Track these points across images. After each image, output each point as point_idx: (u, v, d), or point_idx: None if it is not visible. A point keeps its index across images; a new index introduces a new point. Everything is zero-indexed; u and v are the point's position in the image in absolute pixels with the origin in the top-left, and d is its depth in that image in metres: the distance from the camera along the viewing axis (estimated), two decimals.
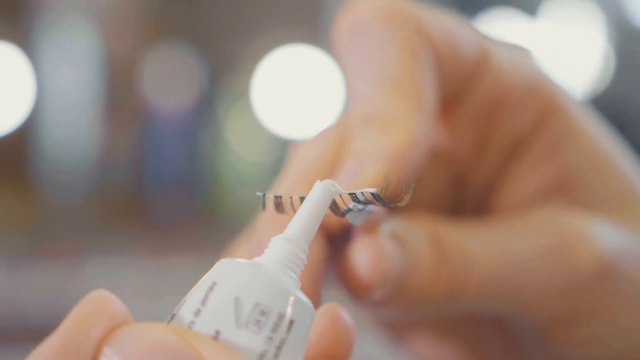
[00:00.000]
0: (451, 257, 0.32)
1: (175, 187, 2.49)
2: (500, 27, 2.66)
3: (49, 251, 2.24)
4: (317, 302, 0.30)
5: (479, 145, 0.36)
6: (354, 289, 0.31)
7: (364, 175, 0.31)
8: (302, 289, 0.30)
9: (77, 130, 2.55)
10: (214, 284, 0.24)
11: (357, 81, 0.34)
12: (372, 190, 0.27)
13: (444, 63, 0.34)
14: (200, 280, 0.24)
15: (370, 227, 0.31)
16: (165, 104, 2.52)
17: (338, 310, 0.27)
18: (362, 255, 0.31)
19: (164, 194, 2.50)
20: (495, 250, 0.33)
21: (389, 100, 0.32)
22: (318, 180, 0.26)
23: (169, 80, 2.52)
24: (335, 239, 0.32)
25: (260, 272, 0.24)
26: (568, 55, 2.64)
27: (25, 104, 2.53)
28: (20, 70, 2.50)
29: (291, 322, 0.24)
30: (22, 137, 2.56)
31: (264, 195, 0.28)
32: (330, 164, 0.33)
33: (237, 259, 0.24)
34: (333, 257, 0.32)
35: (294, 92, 2.41)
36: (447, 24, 0.35)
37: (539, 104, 0.35)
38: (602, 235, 0.34)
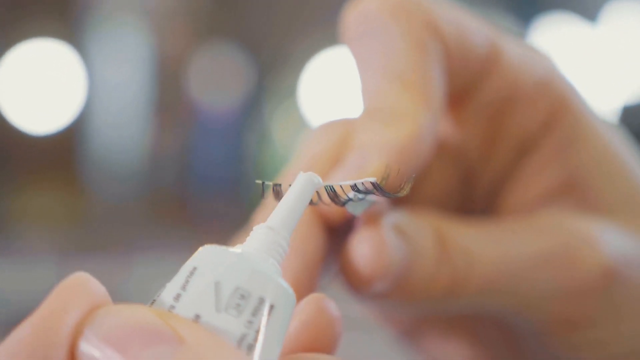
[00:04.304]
0: (453, 254, 0.32)
1: (221, 185, 2.51)
2: (558, 31, 2.64)
3: (97, 246, 2.27)
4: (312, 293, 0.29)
5: (488, 142, 0.35)
6: (354, 282, 0.31)
7: (367, 168, 0.31)
8: (298, 279, 0.30)
9: (126, 128, 2.58)
10: (195, 268, 0.24)
11: (364, 74, 0.34)
12: (372, 179, 0.27)
13: (453, 57, 0.34)
14: (182, 267, 0.24)
15: (373, 219, 0.31)
16: (212, 103, 2.54)
17: (323, 301, 0.26)
18: (363, 247, 0.31)
19: (210, 192, 2.51)
20: (498, 250, 0.33)
21: (395, 94, 0.32)
22: (301, 172, 0.27)
23: (216, 80, 2.54)
24: (337, 231, 0.32)
25: (241, 258, 0.24)
26: (627, 61, 2.61)
27: (76, 101, 2.57)
28: (71, 68, 2.53)
29: (271, 307, 0.24)
30: (73, 134, 2.60)
31: (263, 183, 0.28)
32: (335, 157, 0.33)
33: (218, 245, 0.25)
34: (335, 249, 0.32)
35: (340, 93, 2.41)
36: (457, 17, 0.34)
37: (549, 103, 0.35)
38: (608, 240, 0.34)
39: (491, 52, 0.34)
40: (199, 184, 2.55)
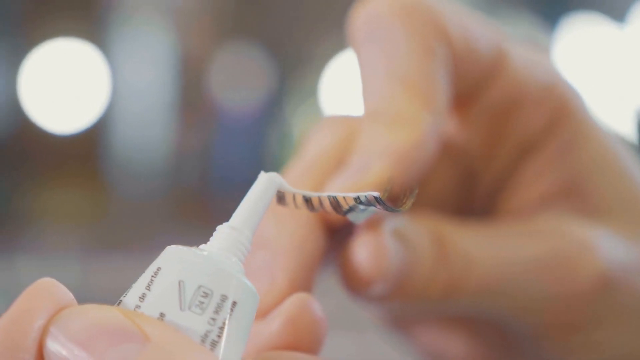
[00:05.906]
0: (451, 256, 0.32)
1: (242, 184, 2.52)
2: (585, 31, 2.62)
3: (119, 244, 2.28)
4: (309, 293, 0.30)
5: (490, 145, 0.35)
6: (353, 284, 0.31)
7: (369, 172, 0.31)
8: (295, 278, 0.30)
9: (148, 127, 2.59)
10: (159, 269, 0.24)
11: (370, 76, 0.34)
12: (375, 193, 0.27)
13: (458, 60, 0.34)
14: (148, 267, 0.25)
15: (373, 223, 0.31)
16: (234, 103, 2.55)
17: (306, 301, 0.27)
18: (363, 251, 0.31)
19: (231, 190, 2.52)
20: (495, 253, 0.33)
21: (399, 97, 0.32)
22: (262, 172, 0.27)
23: (239, 80, 2.55)
24: (338, 232, 0.32)
25: (204, 257, 0.25)
26: None
27: (99, 100, 2.58)
28: (94, 68, 2.55)
29: (234, 304, 0.24)
30: (96, 133, 2.61)
31: None
32: (338, 158, 0.33)
33: (182, 246, 0.25)
34: (334, 248, 0.32)
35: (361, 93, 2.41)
36: (464, 20, 0.34)
37: (552, 106, 0.35)
38: (605, 247, 0.34)
39: (497, 56, 0.35)
40: (220, 183, 2.56)
